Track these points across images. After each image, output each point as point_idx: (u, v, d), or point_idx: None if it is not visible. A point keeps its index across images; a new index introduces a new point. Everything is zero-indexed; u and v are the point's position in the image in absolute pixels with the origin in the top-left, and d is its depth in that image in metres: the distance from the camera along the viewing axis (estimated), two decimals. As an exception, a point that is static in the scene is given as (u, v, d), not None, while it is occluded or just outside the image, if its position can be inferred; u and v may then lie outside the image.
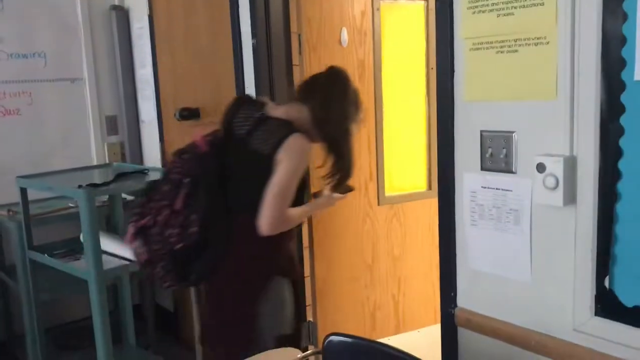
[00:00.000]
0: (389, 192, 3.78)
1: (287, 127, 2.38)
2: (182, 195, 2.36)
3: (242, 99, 2.61)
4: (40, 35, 3.89)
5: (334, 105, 2.44)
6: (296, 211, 2.42)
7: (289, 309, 2.53)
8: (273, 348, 2.27)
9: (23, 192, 3.28)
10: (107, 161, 4.07)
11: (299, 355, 2.01)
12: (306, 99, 2.48)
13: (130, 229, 2.43)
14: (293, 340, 2.50)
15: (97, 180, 3.24)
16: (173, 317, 4.13)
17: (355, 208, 3.61)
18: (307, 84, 2.56)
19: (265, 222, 2.31)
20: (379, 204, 3.74)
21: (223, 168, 2.43)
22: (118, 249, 3.21)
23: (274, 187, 2.31)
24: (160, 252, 2.38)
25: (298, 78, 3.23)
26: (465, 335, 2.14)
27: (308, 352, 2.04)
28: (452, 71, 1.99)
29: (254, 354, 2.01)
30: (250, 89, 3.22)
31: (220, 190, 2.42)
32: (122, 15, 4.10)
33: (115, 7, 4.09)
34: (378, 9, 3.57)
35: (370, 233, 3.74)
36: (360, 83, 3.44)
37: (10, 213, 3.52)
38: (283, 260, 2.54)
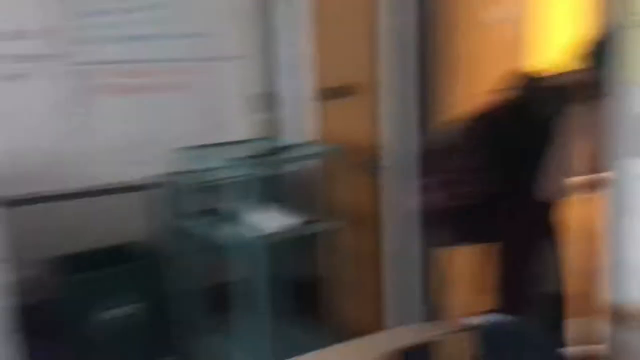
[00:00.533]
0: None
1: (574, 95, 2.52)
2: (474, 156, 2.59)
3: (531, 73, 2.72)
4: (202, 15, 4.07)
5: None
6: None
7: (555, 268, 2.74)
8: (542, 306, 2.58)
9: (182, 162, 3.50)
10: (260, 137, 4.19)
11: (446, 329, 2.03)
12: (585, 63, 2.56)
13: (426, 186, 2.70)
14: (558, 298, 2.73)
15: (253, 154, 3.37)
16: (313, 288, 4.18)
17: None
18: (589, 49, 2.57)
19: (550, 189, 2.53)
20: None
21: (510, 135, 2.60)
22: (267, 219, 3.31)
23: (559, 154, 2.49)
24: (447, 208, 2.60)
25: (450, 55, 3.19)
26: (626, 331, 2.03)
27: (469, 323, 2.04)
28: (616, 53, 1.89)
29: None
30: (407, 66, 3.21)
31: (507, 155, 2.58)
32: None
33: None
34: None
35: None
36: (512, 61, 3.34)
37: (166, 182, 3.71)
38: (552, 223, 2.73)
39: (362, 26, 3.49)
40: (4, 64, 3.55)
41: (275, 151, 3.45)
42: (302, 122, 4.16)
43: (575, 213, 3.66)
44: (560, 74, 2.65)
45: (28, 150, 3.62)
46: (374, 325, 3.33)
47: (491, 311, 2.46)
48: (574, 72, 2.58)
